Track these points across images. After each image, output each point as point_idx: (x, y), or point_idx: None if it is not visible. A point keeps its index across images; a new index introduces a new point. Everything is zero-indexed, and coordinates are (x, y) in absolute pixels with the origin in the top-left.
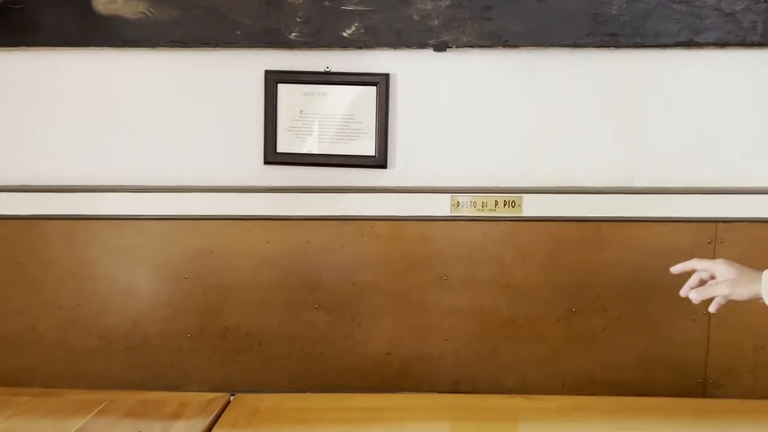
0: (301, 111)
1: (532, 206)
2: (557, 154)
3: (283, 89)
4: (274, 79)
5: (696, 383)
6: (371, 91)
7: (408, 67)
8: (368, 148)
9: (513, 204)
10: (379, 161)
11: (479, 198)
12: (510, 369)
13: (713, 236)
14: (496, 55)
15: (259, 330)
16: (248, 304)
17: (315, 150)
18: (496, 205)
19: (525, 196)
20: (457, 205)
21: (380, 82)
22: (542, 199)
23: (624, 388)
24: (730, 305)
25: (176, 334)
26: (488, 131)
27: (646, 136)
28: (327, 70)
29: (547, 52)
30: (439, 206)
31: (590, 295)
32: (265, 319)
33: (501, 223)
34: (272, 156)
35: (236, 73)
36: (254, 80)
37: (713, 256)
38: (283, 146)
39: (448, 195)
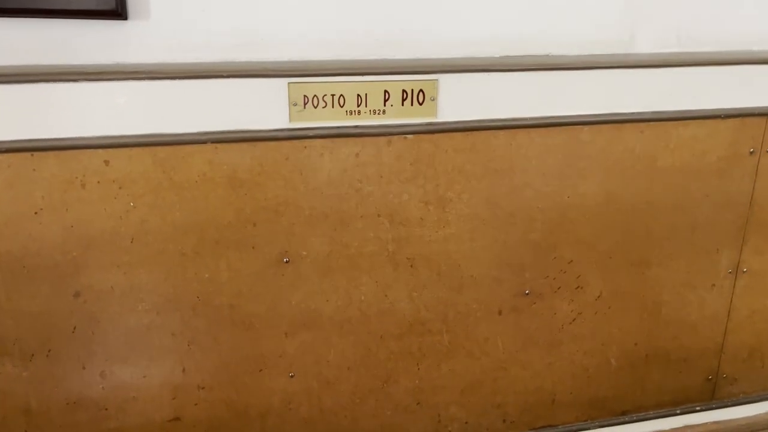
0: None
1: (456, 100)
2: None
3: None
4: None
5: (704, 382)
6: None
7: None
8: None
9: (420, 96)
10: (108, 2)
11: (350, 86)
12: (416, 409)
13: (759, 140)
14: None
15: None
16: None
17: None
18: (386, 99)
19: (443, 78)
20: (304, 105)
21: None
22: (473, 83)
23: (600, 405)
24: None
25: None
26: None
27: None
28: None
29: None
30: (265, 107)
31: (556, 262)
32: None
33: (397, 138)
34: None
35: None
36: None
37: (755, 173)
38: None
39: (283, 81)
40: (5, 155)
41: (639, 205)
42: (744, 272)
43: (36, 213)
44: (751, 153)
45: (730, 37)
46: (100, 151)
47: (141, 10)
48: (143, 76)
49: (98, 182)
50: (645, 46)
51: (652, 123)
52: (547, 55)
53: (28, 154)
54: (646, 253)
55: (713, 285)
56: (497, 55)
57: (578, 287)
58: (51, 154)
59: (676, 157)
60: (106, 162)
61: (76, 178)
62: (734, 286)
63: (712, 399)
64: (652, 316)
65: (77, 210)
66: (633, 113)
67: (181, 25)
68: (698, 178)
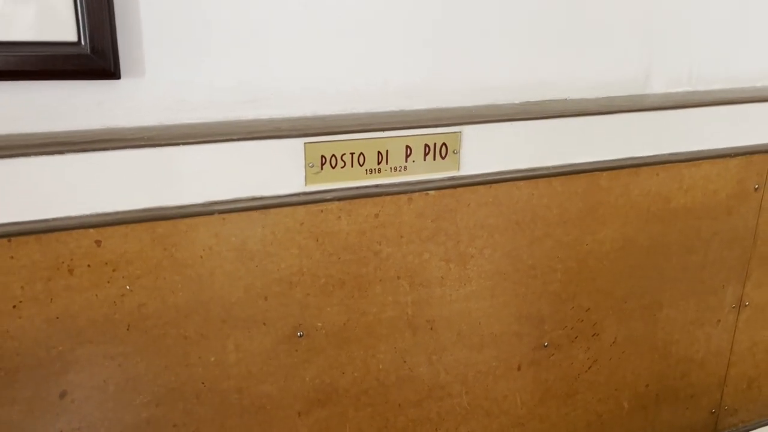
0: None
1: (479, 152)
2: (521, 41)
3: None
4: None
5: (708, 415)
6: None
7: None
8: (54, 21)
9: (443, 150)
10: (99, 60)
11: (371, 143)
12: None
13: (764, 177)
14: None
15: None
16: None
17: None
18: (408, 155)
19: (466, 130)
20: (321, 166)
21: None
22: (496, 134)
23: None
24: None
25: None
26: None
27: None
28: None
29: None
30: (278, 171)
31: (574, 311)
32: None
33: (418, 195)
34: None
35: None
36: None
37: (759, 207)
38: None
39: (298, 142)
40: None
41: (653, 247)
42: (746, 306)
43: (14, 306)
44: (756, 189)
45: (735, 74)
46: (91, 230)
47: (135, 67)
48: (139, 143)
49: (88, 266)
50: (659, 85)
51: (666, 165)
52: (566, 100)
53: (4, 240)
54: (658, 295)
55: (719, 320)
56: (517, 102)
57: (594, 334)
58: (32, 238)
59: (689, 198)
60: (98, 242)
61: (63, 263)
62: (737, 320)
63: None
64: (663, 357)
65: (64, 299)
66: (649, 156)
67: (180, 81)
68: (708, 216)
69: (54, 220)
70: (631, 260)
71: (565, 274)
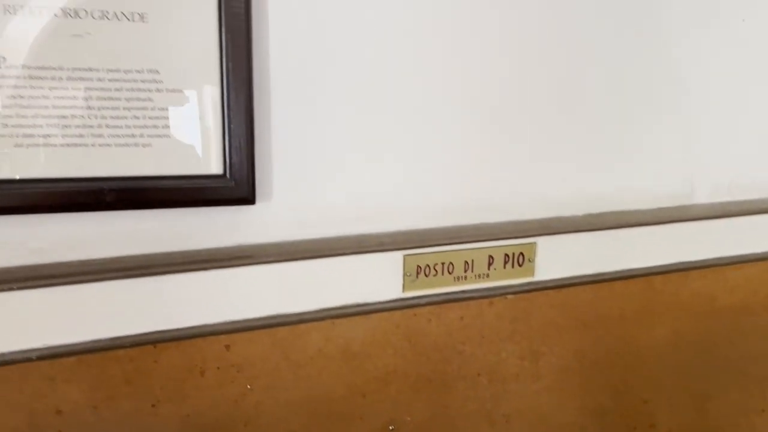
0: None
1: (551, 260)
2: (582, 161)
3: None
4: None
5: None
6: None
7: None
8: (206, 158)
9: (521, 259)
10: (240, 190)
11: (459, 254)
12: None
13: None
14: None
15: None
16: None
17: (40, 172)
18: (490, 264)
19: (540, 241)
20: (417, 275)
21: None
22: (565, 244)
23: None
24: None
25: None
26: (475, 109)
27: (705, 117)
28: None
29: None
30: (381, 279)
31: (632, 403)
32: None
33: (498, 299)
34: None
35: None
36: None
37: None
38: None
39: (398, 254)
40: (127, 350)
41: (701, 342)
42: None
43: (153, 406)
44: None
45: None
46: (222, 336)
47: (265, 193)
48: (266, 260)
49: (218, 368)
50: (703, 196)
51: (712, 268)
52: (622, 212)
53: (150, 347)
54: (707, 386)
55: (763, 410)
56: (581, 214)
57: (651, 425)
58: (173, 344)
59: (734, 297)
60: (227, 347)
61: (196, 366)
62: None
63: None
64: None
65: (195, 398)
66: (697, 261)
67: (300, 203)
68: (750, 313)
69: (192, 328)
70: (682, 354)
71: (624, 368)
